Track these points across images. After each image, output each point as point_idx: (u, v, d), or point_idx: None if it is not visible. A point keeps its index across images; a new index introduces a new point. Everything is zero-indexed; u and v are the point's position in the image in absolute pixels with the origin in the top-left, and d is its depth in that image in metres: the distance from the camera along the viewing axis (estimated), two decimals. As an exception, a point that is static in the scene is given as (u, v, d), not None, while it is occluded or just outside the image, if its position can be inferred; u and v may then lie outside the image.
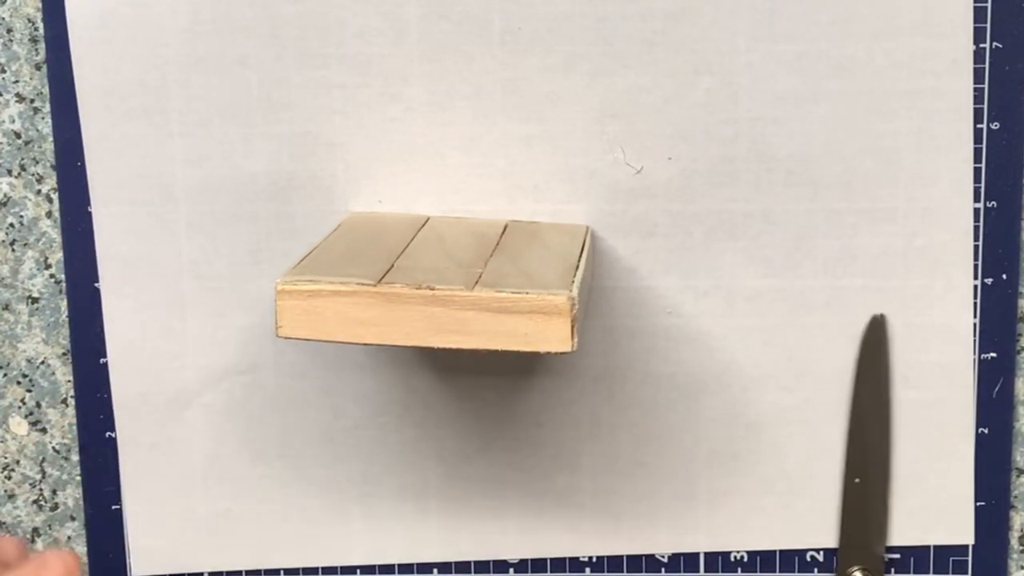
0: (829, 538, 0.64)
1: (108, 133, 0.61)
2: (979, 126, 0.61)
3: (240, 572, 0.65)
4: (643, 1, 0.59)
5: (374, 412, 0.63)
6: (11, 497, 0.65)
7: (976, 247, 0.62)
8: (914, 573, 0.64)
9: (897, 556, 0.64)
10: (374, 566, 0.64)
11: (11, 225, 0.62)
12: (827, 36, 0.60)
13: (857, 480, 0.62)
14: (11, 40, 0.61)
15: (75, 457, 0.65)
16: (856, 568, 0.63)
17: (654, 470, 0.63)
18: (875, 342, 0.61)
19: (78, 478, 0.65)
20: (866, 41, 0.60)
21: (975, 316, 0.62)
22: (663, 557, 0.64)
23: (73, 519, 0.65)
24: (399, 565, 0.64)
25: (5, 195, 0.62)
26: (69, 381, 0.63)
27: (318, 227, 0.61)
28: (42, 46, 0.61)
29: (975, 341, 0.62)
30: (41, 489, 0.65)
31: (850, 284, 0.62)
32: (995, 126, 0.61)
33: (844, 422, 0.63)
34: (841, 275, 0.62)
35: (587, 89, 0.60)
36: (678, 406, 0.63)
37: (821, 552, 0.64)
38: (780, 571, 0.64)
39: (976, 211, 0.61)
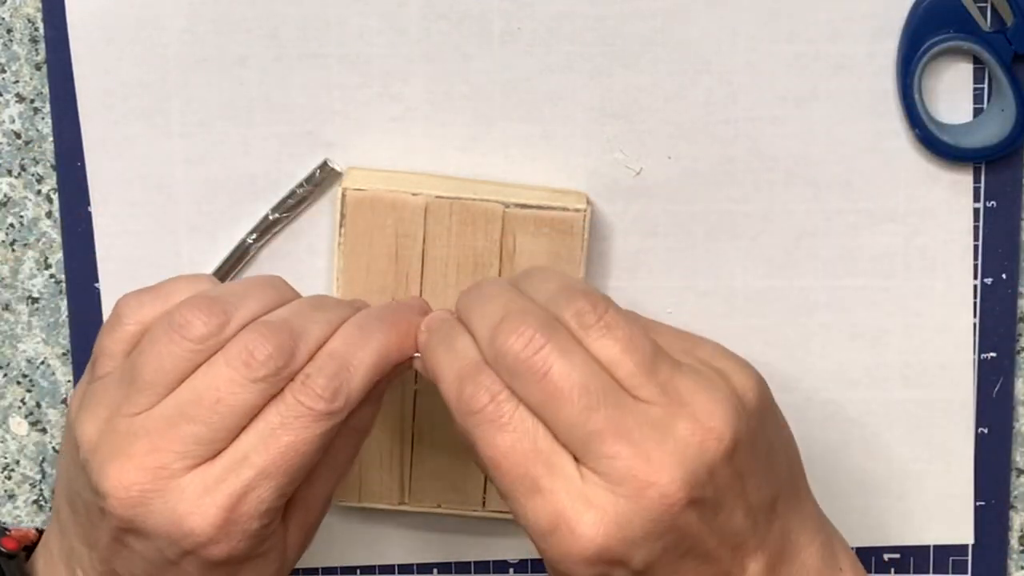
0: (829, 538, 0.64)
1: (108, 133, 0.61)
2: (979, 126, 0.61)
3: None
4: (643, 1, 0.59)
5: (374, 412, 0.63)
6: (11, 497, 0.65)
7: (976, 247, 0.62)
8: (914, 573, 0.64)
9: (897, 556, 0.64)
10: (374, 566, 0.64)
11: (11, 225, 0.62)
12: (827, 36, 0.60)
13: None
14: (11, 40, 0.61)
15: (75, 457, 0.65)
16: None
17: (654, 470, 0.63)
18: None
19: (78, 478, 0.65)
20: (866, 41, 0.60)
21: (975, 316, 0.62)
22: (663, 557, 0.64)
23: (73, 519, 0.65)
24: (399, 565, 0.64)
25: (5, 195, 0.62)
26: (69, 381, 0.63)
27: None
28: (42, 46, 0.61)
29: (975, 341, 0.62)
30: (41, 489, 0.65)
31: (850, 284, 0.62)
32: (995, 126, 0.61)
33: (843, 422, 0.62)
34: (841, 275, 0.62)
35: (587, 89, 0.60)
36: (678, 406, 0.63)
37: (821, 552, 0.64)
38: (780, 571, 0.64)
39: (976, 211, 0.61)
